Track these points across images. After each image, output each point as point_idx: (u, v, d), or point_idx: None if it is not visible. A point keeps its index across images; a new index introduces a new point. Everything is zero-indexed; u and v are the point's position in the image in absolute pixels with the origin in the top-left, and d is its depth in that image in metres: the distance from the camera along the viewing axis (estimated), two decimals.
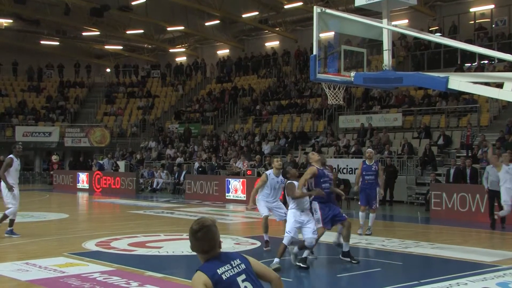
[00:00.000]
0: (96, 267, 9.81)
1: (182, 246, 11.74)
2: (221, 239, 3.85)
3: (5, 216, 13.12)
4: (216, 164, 28.20)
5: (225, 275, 3.64)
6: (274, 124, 32.71)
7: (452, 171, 19.84)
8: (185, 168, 29.72)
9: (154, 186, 30.02)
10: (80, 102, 44.42)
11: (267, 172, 11.64)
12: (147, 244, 12.29)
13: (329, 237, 13.14)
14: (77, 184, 31.64)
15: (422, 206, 20.85)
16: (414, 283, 8.83)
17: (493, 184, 15.75)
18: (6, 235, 13.14)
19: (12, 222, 13.29)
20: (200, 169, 27.77)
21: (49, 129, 39.45)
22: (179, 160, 31.04)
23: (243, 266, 3.74)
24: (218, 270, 3.66)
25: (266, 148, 28.87)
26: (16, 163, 13.33)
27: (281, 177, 11.21)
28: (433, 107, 26.96)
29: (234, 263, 3.73)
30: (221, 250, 3.83)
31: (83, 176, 31.68)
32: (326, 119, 30.58)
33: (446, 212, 17.96)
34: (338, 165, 24.13)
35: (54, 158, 36.59)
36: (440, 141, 24.30)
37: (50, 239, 13.23)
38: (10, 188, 13.07)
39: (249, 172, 25.32)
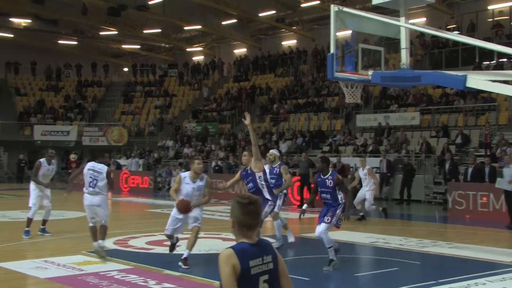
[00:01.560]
0: (114, 265, 9.87)
1: (199, 245, 11.76)
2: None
3: (29, 219, 13.18)
4: (233, 163, 28.23)
5: (253, 270, 3.54)
6: (291, 123, 32.68)
7: (470, 170, 19.70)
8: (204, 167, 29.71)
9: (171, 185, 30.10)
10: (98, 101, 44.69)
11: (182, 174, 10.18)
12: (164, 243, 12.30)
13: (345, 236, 13.10)
14: None
15: (440, 205, 20.74)
16: (431, 283, 8.78)
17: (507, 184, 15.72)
18: (39, 233, 13.31)
19: (44, 221, 13.45)
20: (216, 168, 27.82)
21: (67, 128, 39.77)
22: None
23: (271, 265, 3.63)
24: (250, 262, 3.54)
25: (283, 147, 28.85)
26: (46, 168, 13.27)
27: (198, 183, 9.89)
28: (451, 106, 26.78)
29: (265, 259, 3.61)
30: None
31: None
32: (344, 118, 30.50)
33: (464, 212, 17.84)
34: (355, 164, 24.04)
35: (72, 157, 36.82)
36: (458, 140, 24.14)
37: (68, 237, 13.33)
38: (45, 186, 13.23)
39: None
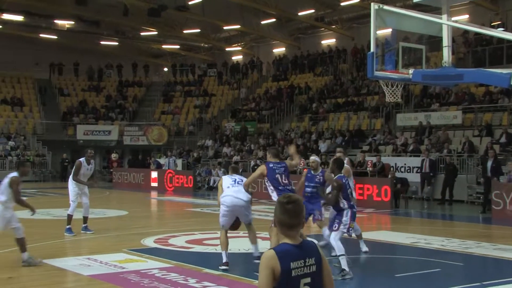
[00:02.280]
0: (155, 264, 9.96)
1: (239, 244, 11.79)
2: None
3: (69, 216, 13.41)
4: None
5: (294, 272, 3.50)
6: (330, 122, 32.50)
7: None
8: (242, 166, 29.81)
9: (211, 184, 30.28)
10: (138, 101, 45.23)
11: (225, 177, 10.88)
12: (204, 242, 12.40)
13: (386, 236, 12.96)
14: (151, 183, 31.52)
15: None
16: (476, 285, 8.62)
17: None
18: (82, 231, 13.49)
19: (85, 219, 13.64)
20: (255, 167, 27.82)
21: (108, 128, 40.36)
22: (236, 158, 31.22)
23: (313, 268, 3.58)
24: (292, 263, 3.50)
25: (322, 146, 28.72)
26: (85, 167, 13.53)
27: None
28: (495, 104, 26.26)
29: (308, 262, 3.56)
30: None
31: (154, 175, 31.92)
32: (384, 117, 30.19)
33: (508, 212, 17.44)
34: (395, 164, 23.79)
35: (114, 156, 37.36)
36: (503, 139, 23.64)
37: (110, 235, 13.50)
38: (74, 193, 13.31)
39: (305, 170, 25.20)
